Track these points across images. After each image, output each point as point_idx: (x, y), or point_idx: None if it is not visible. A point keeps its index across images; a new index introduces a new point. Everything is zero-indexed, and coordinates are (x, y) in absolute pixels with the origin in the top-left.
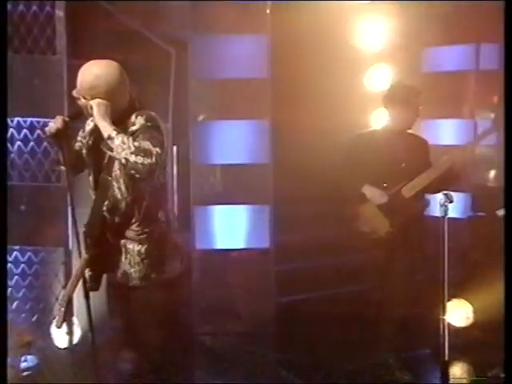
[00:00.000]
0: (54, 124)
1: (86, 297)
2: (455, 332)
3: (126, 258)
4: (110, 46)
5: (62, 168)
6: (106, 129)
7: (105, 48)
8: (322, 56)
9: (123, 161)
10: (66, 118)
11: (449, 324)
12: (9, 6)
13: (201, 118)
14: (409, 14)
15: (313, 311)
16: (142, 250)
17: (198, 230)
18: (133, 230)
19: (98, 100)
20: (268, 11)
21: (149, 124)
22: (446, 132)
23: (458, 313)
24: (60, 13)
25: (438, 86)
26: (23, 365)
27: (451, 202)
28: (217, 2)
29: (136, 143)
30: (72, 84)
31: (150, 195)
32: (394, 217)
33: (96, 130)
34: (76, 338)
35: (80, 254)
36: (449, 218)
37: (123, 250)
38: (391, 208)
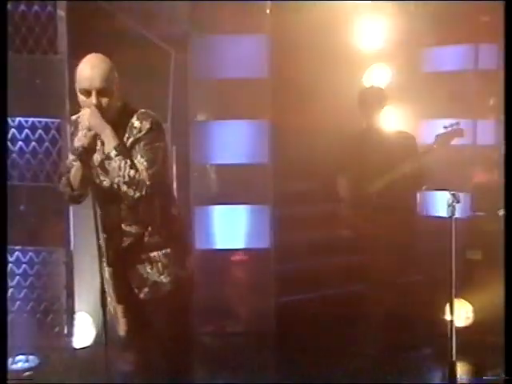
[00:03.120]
0: (86, 139)
1: (103, 305)
2: (456, 332)
3: (152, 268)
4: (109, 46)
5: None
6: (109, 145)
7: (104, 48)
8: (322, 56)
9: (115, 185)
10: (94, 132)
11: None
12: (10, 6)
13: (198, 117)
14: (408, 14)
15: (313, 311)
16: (169, 250)
17: (197, 230)
18: (154, 235)
19: (90, 109)
20: (268, 11)
21: (154, 129)
22: None
23: (458, 312)
24: (61, 12)
25: (438, 86)
26: (24, 365)
27: (458, 202)
28: (217, 1)
29: (131, 172)
30: (74, 84)
31: (161, 195)
32: (356, 210)
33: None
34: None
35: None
36: (448, 218)
37: (147, 262)
38: (353, 202)
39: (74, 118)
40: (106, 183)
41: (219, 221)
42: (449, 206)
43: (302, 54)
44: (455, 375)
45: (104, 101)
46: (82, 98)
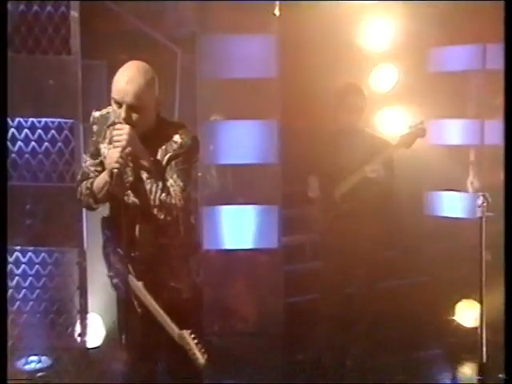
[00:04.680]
0: (121, 160)
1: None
2: (466, 332)
3: (173, 276)
4: (117, 46)
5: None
6: (142, 167)
7: (112, 48)
8: (330, 56)
9: (145, 206)
10: (129, 149)
11: (459, 324)
12: (23, 7)
13: (213, 118)
14: (415, 14)
15: (321, 311)
16: (190, 258)
17: (205, 230)
18: (177, 247)
19: (128, 128)
20: (276, 11)
21: (194, 146)
22: (451, 132)
23: (468, 313)
24: (75, 13)
25: (444, 86)
26: (37, 366)
27: (488, 202)
28: (225, 1)
29: (163, 196)
30: (87, 84)
31: (186, 207)
32: (324, 214)
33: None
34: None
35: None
36: (457, 219)
37: (168, 271)
38: (323, 205)
39: (97, 114)
40: (135, 202)
41: (227, 221)
42: (479, 206)
43: (310, 53)
44: (485, 376)
45: (135, 116)
46: (114, 105)
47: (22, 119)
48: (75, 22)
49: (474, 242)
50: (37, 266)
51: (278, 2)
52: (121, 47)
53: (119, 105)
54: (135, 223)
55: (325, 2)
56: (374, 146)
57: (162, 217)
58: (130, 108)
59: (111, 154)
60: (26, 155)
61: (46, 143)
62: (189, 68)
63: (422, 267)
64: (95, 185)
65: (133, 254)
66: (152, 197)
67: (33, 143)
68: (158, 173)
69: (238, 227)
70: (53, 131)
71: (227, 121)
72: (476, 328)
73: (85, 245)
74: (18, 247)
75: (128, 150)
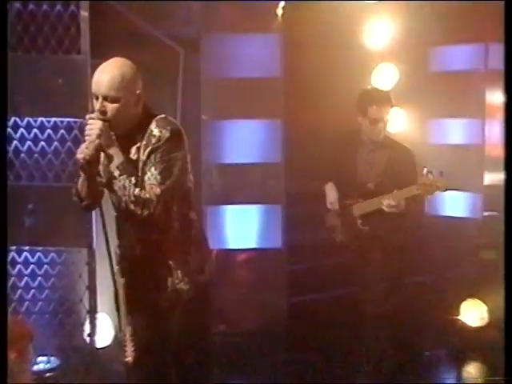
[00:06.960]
0: (88, 151)
1: (118, 310)
2: (470, 332)
3: (171, 275)
4: (122, 46)
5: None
6: (113, 163)
7: (117, 48)
8: (333, 55)
9: (123, 204)
10: (98, 141)
11: (463, 324)
12: (33, 6)
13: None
14: (416, 14)
15: (325, 311)
16: (188, 257)
17: (209, 229)
18: (172, 242)
19: (100, 122)
20: (280, 11)
21: (173, 138)
22: (454, 131)
23: (473, 313)
24: (84, 12)
25: (446, 86)
26: (46, 366)
27: None
28: (229, 1)
29: (136, 191)
30: None
31: (179, 201)
32: (344, 227)
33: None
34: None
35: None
36: (462, 219)
37: (166, 270)
38: (341, 218)
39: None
40: (115, 199)
41: (231, 220)
42: None
43: (313, 53)
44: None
45: (110, 108)
46: (94, 100)
47: (31, 119)
48: (85, 21)
49: (476, 242)
50: (46, 266)
51: (281, 2)
52: (125, 47)
53: (96, 98)
54: (117, 220)
55: (327, 1)
56: (396, 160)
57: (139, 212)
58: (105, 99)
59: (80, 148)
60: (36, 155)
61: (56, 143)
62: (192, 67)
63: (425, 267)
64: (78, 184)
65: (117, 251)
66: (126, 193)
67: (42, 143)
68: (131, 169)
69: (241, 227)
70: (62, 131)
71: (231, 120)
72: (481, 327)
73: (94, 245)
74: (27, 247)
75: (97, 142)
